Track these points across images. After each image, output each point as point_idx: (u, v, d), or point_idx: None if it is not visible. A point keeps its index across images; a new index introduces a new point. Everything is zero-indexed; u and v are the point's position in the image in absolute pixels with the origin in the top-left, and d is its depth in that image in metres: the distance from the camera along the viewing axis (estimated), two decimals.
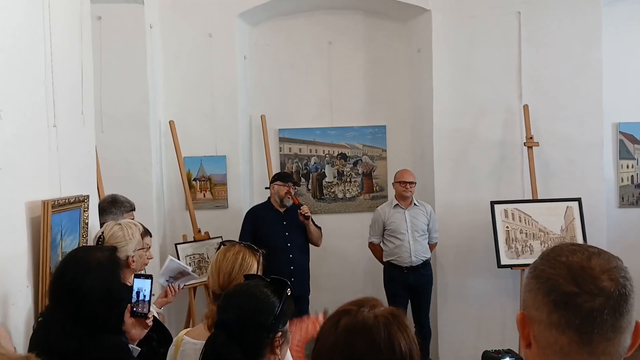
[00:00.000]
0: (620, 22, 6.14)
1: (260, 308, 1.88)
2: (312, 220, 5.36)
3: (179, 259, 5.28)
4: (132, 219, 3.67)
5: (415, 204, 5.56)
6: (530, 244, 5.47)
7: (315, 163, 6.40)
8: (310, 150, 6.38)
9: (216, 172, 5.85)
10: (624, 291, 1.15)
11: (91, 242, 3.21)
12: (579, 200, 5.55)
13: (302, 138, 6.35)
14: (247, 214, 5.47)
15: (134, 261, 3.00)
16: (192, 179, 5.84)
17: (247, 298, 1.91)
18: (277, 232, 5.28)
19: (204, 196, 5.88)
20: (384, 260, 5.57)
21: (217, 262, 2.48)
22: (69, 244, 2.99)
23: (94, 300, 2.23)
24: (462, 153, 5.92)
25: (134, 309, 2.52)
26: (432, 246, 5.64)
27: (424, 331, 5.49)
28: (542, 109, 5.83)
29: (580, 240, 5.33)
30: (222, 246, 2.58)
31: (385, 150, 6.43)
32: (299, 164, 6.38)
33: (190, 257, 5.41)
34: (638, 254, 5.18)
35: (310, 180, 6.41)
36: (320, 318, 2.50)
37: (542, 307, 1.17)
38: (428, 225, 5.55)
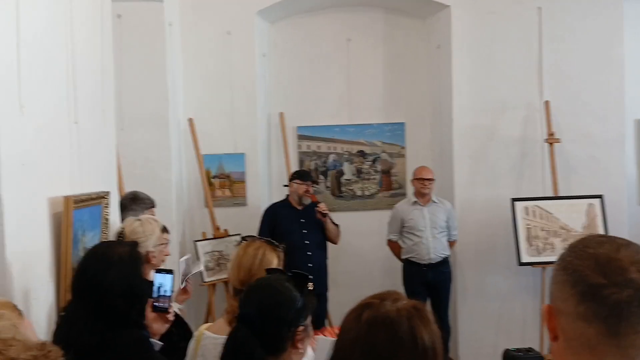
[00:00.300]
0: None
1: (282, 302, 1.88)
2: (329, 217, 5.36)
3: (197, 256, 5.31)
4: (153, 215, 3.69)
5: (434, 201, 5.54)
6: (551, 241, 5.42)
7: (333, 160, 6.39)
8: (329, 148, 6.37)
9: (235, 170, 5.87)
10: None
11: (112, 238, 3.23)
12: (600, 197, 5.49)
13: (320, 135, 6.34)
14: (265, 211, 5.48)
15: (154, 256, 3.01)
16: (212, 176, 5.86)
17: (269, 292, 1.91)
18: (295, 230, 5.27)
19: (223, 194, 5.89)
20: (403, 257, 5.55)
21: (237, 257, 2.50)
22: (90, 240, 3.01)
23: (115, 295, 2.23)
24: (482, 150, 5.87)
25: (155, 303, 2.53)
26: (451, 244, 5.61)
27: (443, 329, 5.44)
28: (563, 105, 5.77)
29: None
30: (243, 241, 2.59)
31: (404, 148, 6.40)
32: (318, 161, 6.38)
33: (209, 254, 5.44)
34: None
35: (329, 178, 6.40)
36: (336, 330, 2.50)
37: (569, 299, 1.15)
38: (447, 223, 5.51)
